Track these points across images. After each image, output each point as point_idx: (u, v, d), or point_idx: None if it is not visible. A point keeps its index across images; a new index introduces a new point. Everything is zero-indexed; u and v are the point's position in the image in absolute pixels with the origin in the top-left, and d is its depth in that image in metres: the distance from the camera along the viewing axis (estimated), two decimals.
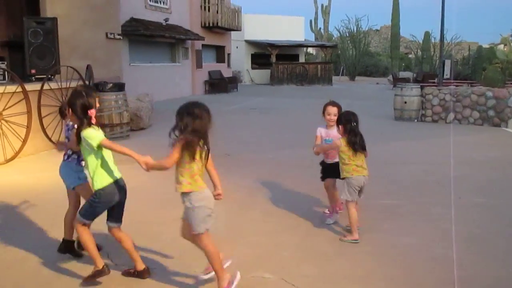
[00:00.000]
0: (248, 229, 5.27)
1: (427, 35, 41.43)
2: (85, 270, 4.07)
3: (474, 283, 4.08)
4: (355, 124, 4.88)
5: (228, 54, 30.69)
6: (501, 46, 28.90)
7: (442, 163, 8.49)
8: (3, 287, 3.97)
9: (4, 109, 8.44)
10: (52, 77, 9.99)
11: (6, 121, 8.46)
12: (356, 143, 4.84)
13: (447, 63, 19.75)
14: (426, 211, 5.92)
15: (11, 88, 8.72)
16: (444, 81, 19.26)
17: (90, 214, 3.90)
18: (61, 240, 4.53)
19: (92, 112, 3.84)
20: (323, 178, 5.57)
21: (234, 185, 6.97)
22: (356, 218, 4.91)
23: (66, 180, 4.42)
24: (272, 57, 33.71)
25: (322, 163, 5.60)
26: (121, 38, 13.78)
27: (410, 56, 53.38)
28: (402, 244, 4.85)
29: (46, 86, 9.52)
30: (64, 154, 4.44)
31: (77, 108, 3.84)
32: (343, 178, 4.99)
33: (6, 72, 9.18)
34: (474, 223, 5.50)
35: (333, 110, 5.34)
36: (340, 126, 4.92)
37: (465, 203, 6.26)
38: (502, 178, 7.72)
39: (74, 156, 4.36)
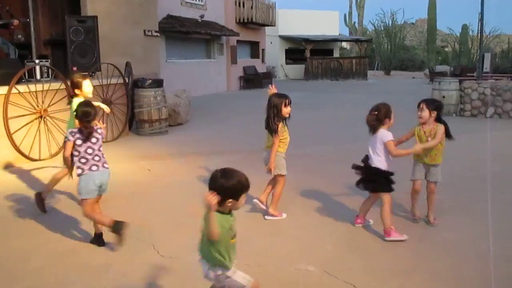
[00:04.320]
0: (290, 223, 5.32)
1: (464, 28, 40.64)
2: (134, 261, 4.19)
3: None
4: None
5: (263, 50, 30.73)
6: None
7: (482, 158, 8.35)
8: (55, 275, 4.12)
9: (49, 106, 8.70)
10: (93, 74, 10.24)
11: (51, 117, 8.71)
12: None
13: (487, 56, 19.31)
14: (469, 207, 5.85)
15: (55, 85, 8.97)
16: (483, 75, 18.85)
17: None
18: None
19: None
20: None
21: None
22: None
23: None
24: (306, 52, 33.57)
25: None
26: (159, 35, 13.97)
27: (446, 49, 52.41)
28: (446, 240, 4.82)
29: None
30: None
31: None
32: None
33: (50, 70, 9.44)
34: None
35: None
36: (434, 112, 5.02)
37: (508, 199, 6.16)
38: None
39: None
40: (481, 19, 16.06)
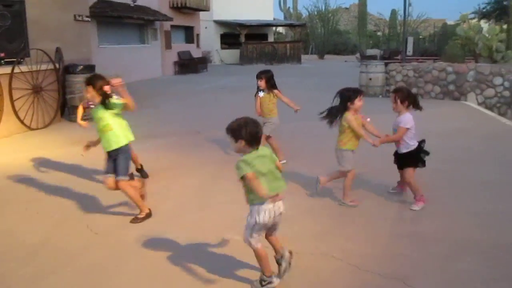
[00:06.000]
0: (221, 197, 5.67)
1: (393, 13, 42.16)
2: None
3: (426, 235, 4.55)
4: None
5: (197, 35, 30.72)
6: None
7: None
8: None
9: None
10: (22, 60, 10.09)
11: None
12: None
13: (410, 40, 20.29)
14: (384, 179, 6.36)
15: None
16: (408, 58, 19.80)
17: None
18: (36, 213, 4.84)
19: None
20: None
21: (205, 159, 7.36)
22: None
23: None
24: (241, 37, 33.84)
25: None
26: (89, 20, 13.82)
27: (378, 33, 54.09)
28: (361, 207, 5.31)
29: (16, 69, 9.64)
30: None
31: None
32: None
33: None
34: (430, 187, 5.99)
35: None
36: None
37: (421, 170, 6.73)
38: (455, 146, 8.28)
39: None
40: (404, 4, 16.85)
